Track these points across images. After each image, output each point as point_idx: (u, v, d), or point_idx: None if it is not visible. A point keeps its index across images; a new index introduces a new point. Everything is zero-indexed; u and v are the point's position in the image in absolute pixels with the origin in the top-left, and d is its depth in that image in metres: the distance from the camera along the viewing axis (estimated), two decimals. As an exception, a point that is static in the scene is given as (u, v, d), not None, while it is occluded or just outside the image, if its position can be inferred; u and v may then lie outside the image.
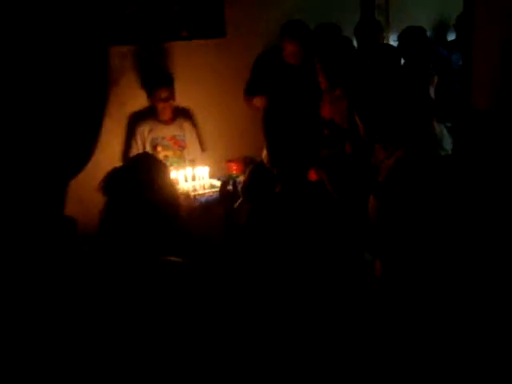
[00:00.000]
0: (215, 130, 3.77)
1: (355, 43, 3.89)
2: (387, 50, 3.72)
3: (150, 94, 3.50)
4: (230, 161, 3.49)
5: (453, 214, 2.25)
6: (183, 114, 3.67)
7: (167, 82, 3.50)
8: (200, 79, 3.73)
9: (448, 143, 3.47)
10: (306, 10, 3.85)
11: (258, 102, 3.47)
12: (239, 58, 3.70)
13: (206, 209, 3.14)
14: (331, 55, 3.03)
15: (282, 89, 3.41)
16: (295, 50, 3.34)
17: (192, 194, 3.24)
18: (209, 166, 3.39)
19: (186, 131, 3.61)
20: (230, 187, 2.71)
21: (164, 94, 3.45)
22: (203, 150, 3.68)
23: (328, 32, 3.54)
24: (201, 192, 3.26)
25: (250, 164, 3.03)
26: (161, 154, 3.51)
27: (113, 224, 1.65)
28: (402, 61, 3.75)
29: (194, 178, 3.31)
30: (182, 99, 3.62)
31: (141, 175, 1.76)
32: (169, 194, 1.73)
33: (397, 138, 2.27)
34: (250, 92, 3.56)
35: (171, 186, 1.79)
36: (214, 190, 3.29)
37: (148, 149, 3.52)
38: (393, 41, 4.07)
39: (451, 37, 4.38)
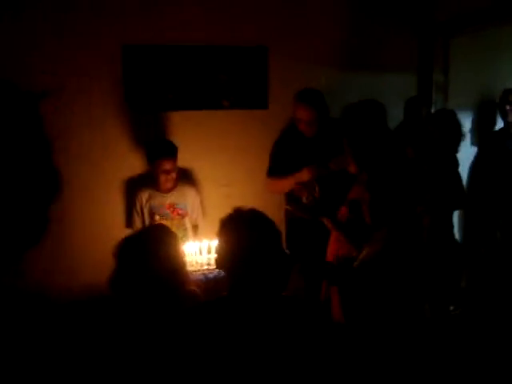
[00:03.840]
0: (242, 201, 3.60)
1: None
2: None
3: (152, 163, 3.27)
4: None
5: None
6: (187, 179, 3.49)
7: (170, 152, 3.24)
8: (228, 149, 3.67)
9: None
10: (355, 87, 3.68)
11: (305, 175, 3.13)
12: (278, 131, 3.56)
13: (214, 286, 2.92)
14: (361, 141, 2.82)
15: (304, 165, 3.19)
16: (308, 117, 3.15)
17: (204, 268, 3.06)
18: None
19: (187, 198, 3.38)
20: None
21: (167, 166, 3.21)
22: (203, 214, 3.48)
23: (361, 112, 3.30)
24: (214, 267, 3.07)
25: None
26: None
27: (119, 288, 1.88)
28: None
29: (209, 250, 3.14)
30: (209, 165, 3.60)
31: (148, 245, 1.91)
32: (175, 265, 1.89)
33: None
34: (275, 172, 3.29)
35: (178, 257, 1.94)
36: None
37: (146, 217, 3.35)
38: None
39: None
